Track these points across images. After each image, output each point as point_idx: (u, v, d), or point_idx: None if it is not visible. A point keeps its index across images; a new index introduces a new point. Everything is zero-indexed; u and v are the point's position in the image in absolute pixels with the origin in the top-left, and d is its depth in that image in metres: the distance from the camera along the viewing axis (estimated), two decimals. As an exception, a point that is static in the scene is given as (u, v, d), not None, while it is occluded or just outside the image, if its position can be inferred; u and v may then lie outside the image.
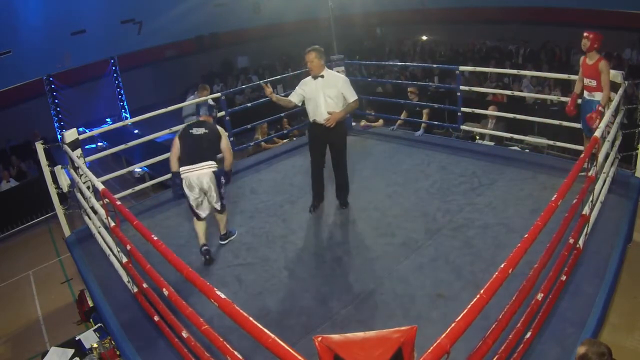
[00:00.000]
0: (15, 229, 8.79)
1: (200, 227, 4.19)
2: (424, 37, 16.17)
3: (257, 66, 15.65)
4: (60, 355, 4.12)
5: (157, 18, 13.85)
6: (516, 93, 7.41)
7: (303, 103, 4.52)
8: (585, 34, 4.38)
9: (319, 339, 1.41)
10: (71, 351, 4.15)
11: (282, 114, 6.93)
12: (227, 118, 6.13)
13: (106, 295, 3.93)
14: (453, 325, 1.67)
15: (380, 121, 7.34)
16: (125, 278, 3.78)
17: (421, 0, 15.35)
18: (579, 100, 4.69)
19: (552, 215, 2.48)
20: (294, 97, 4.50)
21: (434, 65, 9.89)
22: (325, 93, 4.32)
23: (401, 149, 6.26)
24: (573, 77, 5.82)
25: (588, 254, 3.51)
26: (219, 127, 4.17)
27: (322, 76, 4.35)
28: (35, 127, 11.78)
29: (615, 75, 4.46)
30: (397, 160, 5.88)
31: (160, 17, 13.83)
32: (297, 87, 4.52)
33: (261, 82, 4.56)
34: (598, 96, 4.44)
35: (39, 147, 4.80)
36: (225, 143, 4.13)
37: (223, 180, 4.10)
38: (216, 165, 4.06)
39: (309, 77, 4.43)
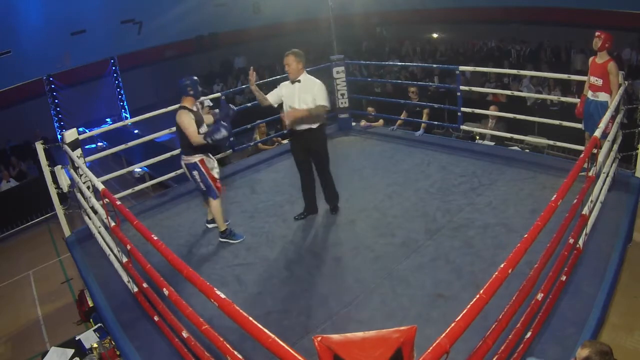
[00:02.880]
0: (15, 229, 8.80)
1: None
2: (427, 36, 16.16)
3: (257, 66, 15.65)
4: (60, 355, 4.11)
5: (157, 18, 13.86)
6: (516, 93, 7.41)
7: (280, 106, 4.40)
8: (597, 34, 4.37)
9: (319, 339, 1.41)
10: (71, 351, 4.15)
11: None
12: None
13: (106, 295, 3.93)
14: (453, 325, 1.67)
15: (380, 121, 7.34)
16: (125, 278, 3.78)
17: (421, 0, 15.35)
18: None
19: (552, 215, 2.48)
20: (271, 97, 4.34)
21: (434, 65, 9.89)
22: (301, 98, 4.19)
23: (401, 149, 6.25)
24: (573, 77, 5.86)
25: (588, 254, 3.51)
26: (183, 111, 4.02)
27: (299, 81, 4.19)
28: (35, 127, 11.80)
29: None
30: (397, 160, 5.88)
31: (160, 17, 13.84)
32: (276, 88, 4.39)
33: (251, 68, 4.35)
34: (602, 96, 4.44)
35: (39, 147, 4.80)
36: (187, 131, 3.98)
37: (195, 175, 4.17)
38: (187, 159, 4.16)
39: (288, 81, 4.29)
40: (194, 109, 4.15)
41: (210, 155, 4.33)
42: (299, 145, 4.44)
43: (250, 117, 6.88)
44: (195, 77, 4.16)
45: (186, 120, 4.00)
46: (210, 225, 4.69)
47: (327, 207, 4.82)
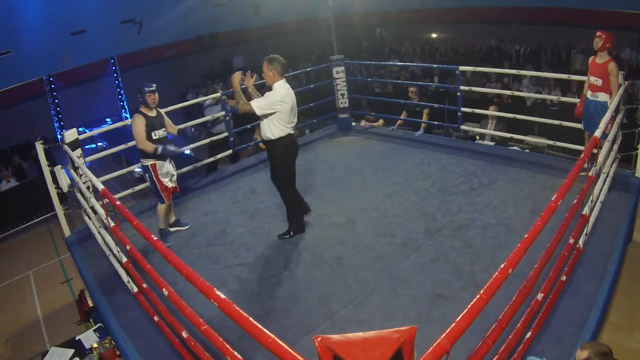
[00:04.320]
0: (15, 229, 8.80)
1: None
2: (427, 36, 16.16)
3: (256, 66, 15.66)
4: (60, 355, 4.11)
5: (157, 18, 13.86)
6: (516, 93, 7.41)
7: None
8: (598, 34, 4.36)
9: (319, 339, 1.40)
10: (71, 351, 4.14)
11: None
12: (228, 118, 6.14)
13: (106, 295, 3.93)
14: (453, 325, 1.66)
15: (381, 121, 7.34)
16: (125, 278, 3.78)
17: (421, 0, 15.34)
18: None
19: (552, 215, 2.48)
20: None
21: (434, 65, 9.89)
22: None
23: (401, 149, 6.26)
24: (573, 77, 5.86)
25: (588, 254, 3.51)
26: (136, 115, 4.31)
27: (271, 89, 4.00)
28: (35, 127, 11.78)
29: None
30: (397, 160, 5.88)
31: (160, 17, 13.83)
32: None
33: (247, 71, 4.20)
34: (601, 97, 4.44)
35: (39, 147, 4.80)
36: (135, 136, 4.31)
37: (147, 177, 4.50)
38: (142, 161, 4.43)
39: None
40: (151, 113, 4.38)
41: (169, 161, 4.56)
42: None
43: (250, 117, 6.86)
44: (152, 85, 4.37)
45: (136, 126, 4.28)
46: (173, 229, 4.79)
47: (326, 207, 4.82)
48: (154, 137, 4.38)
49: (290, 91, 4.09)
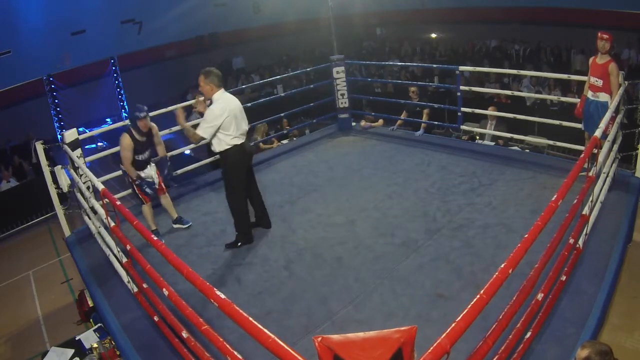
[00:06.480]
0: (15, 229, 8.80)
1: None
2: (426, 36, 16.17)
3: (257, 66, 15.67)
4: (60, 355, 4.12)
5: (157, 18, 13.85)
6: (516, 93, 7.42)
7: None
8: (605, 36, 4.30)
9: (319, 339, 1.40)
10: (71, 351, 4.15)
11: (282, 114, 6.94)
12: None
13: (106, 295, 3.93)
14: (453, 325, 1.66)
15: (380, 121, 7.34)
16: (125, 278, 3.78)
17: (421, 0, 15.35)
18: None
19: (552, 215, 2.48)
20: None
21: (434, 65, 9.89)
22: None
23: (401, 149, 6.26)
24: (573, 77, 5.86)
25: (588, 254, 3.51)
26: (125, 135, 4.37)
27: (211, 102, 3.99)
28: (35, 127, 11.77)
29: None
30: (397, 160, 5.88)
31: (160, 17, 13.83)
32: None
33: (197, 100, 4.22)
34: (602, 97, 4.44)
35: (39, 147, 4.80)
36: (122, 155, 4.44)
37: (127, 179, 4.65)
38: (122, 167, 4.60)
39: None
40: (140, 138, 4.42)
41: (151, 166, 4.63)
42: None
43: (250, 117, 6.86)
44: (144, 111, 4.31)
45: (123, 148, 4.35)
46: (175, 225, 4.86)
47: (326, 207, 4.82)
48: (136, 158, 4.45)
49: (231, 100, 4.04)
